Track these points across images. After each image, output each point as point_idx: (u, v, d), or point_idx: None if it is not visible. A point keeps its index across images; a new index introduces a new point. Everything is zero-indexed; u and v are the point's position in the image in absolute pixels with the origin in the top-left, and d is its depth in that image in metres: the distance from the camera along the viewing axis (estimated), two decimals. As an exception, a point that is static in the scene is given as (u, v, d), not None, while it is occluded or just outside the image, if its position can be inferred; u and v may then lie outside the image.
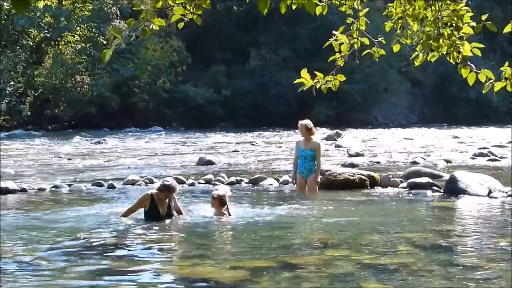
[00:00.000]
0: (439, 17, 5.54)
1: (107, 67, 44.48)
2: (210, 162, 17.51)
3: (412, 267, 5.87)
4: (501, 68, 5.60)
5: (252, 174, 13.93)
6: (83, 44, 45.52)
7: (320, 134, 29.21)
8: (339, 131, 30.34)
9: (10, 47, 44.86)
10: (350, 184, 12.15)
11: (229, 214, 8.89)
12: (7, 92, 42.39)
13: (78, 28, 46.11)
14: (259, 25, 49.57)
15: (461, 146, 24.12)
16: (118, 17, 46.26)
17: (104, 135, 33.81)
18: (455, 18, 5.52)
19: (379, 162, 17.56)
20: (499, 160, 17.33)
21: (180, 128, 43.48)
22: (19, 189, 11.93)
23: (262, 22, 48.07)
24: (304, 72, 5.79)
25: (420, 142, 26.82)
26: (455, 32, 5.55)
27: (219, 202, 8.86)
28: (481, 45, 5.63)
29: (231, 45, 50.09)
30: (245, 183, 13.08)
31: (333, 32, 5.99)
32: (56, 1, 44.72)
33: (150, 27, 4.79)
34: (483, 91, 5.66)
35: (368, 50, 6.17)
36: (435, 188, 11.55)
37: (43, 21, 45.38)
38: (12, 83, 43.15)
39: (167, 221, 8.51)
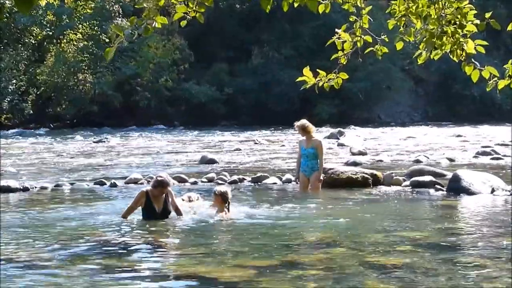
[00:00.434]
0: (443, 15, 5.51)
1: (109, 65, 44.42)
2: (213, 161, 17.48)
3: (415, 266, 5.85)
4: (505, 66, 5.58)
5: (254, 173, 13.90)
6: (85, 42, 45.49)
7: (323, 132, 29.23)
8: (341, 129, 30.29)
9: (12, 45, 44.85)
10: (352, 182, 12.12)
11: (228, 211, 8.86)
12: (9, 90, 42.37)
13: (80, 26, 46.07)
14: (261, 23, 49.49)
15: (464, 144, 24.07)
16: (121, 15, 46.22)
17: (106, 133, 33.81)
18: (459, 16, 5.49)
19: (381, 161, 17.52)
20: (502, 159, 17.28)
21: (182, 126, 43.44)
22: (21, 187, 11.91)
23: (264, 20, 47.99)
24: (306, 70, 5.77)
25: (423, 140, 26.78)
26: (459, 30, 5.52)
27: (222, 199, 8.83)
28: (485, 43, 5.60)
29: (233, 43, 50.03)
30: (247, 181, 13.06)
31: (336, 30, 5.96)
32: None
33: (153, 25, 4.77)
34: (487, 89, 5.64)
35: (371, 48, 6.15)
36: (438, 186, 11.52)
37: (45, 19, 45.36)
38: (14, 81, 43.14)
39: (168, 220, 8.45)
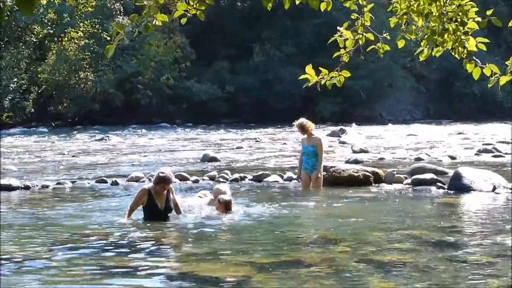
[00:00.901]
0: (444, 12, 5.51)
1: (110, 63, 44.43)
2: (214, 159, 17.48)
3: (416, 264, 5.85)
4: (506, 62, 5.57)
5: (256, 171, 13.90)
6: (86, 41, 45.48)
7: (325, 130, 29.22)
8: (343, 127, 30.28)
9: (13, 44, 44.85)
10: (354, 180, 12.11)
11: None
12: (11, 88, 42.37)
13: (81, 24, 46.04)
14: (262, 21, 49.47)
15: (466, 142, 24.05)
16: (122, 13, 46.23)
17: (108, 131, 33.81)
18: (460, 13, 5.49)
19: (383, 159, 17.52)
20: (504, 156, 17.26)
21: (184, 124, 43.45)
22: (22, 186, 11.92)
23: (265, 18, 47.98)
24: (309, 68, 5.76)
25: (424, 138, 26.76)
26: (460, 28, 5.52)
27: (225, 208, 8.85)
28: (486, 40, 5.60)
29: (234, 41, 50.02)
30: (249, 179, 13.06)
31: (338, 28, 5.95)
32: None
33: (153, 22, 4.76)
34: (489, 85, 5.64)
35: (373, 46, 6.14)
36: (440, 184, 11.51)
37: (46, 17, 45.36)
38: (15, 79, 43.14)
39: (169, 218, 8.41)
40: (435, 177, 11.95)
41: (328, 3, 5.52)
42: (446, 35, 5.55)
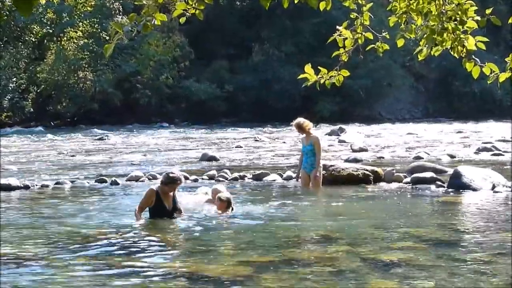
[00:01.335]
0: (443, 11, 5.51)
1: (109, 63, 44.43)
2: (214, 158, 17.48)
3: (416, 262, 5.85)
4: (506, 59, 5.58)
5: (255, 170, 13.90)
6: (85, 40, 45.45)
7: (325, 129, 29.21)
8: (342, 126, 30.28)
9: (12, 43, 44.82)
10: (353, 179, 12.11)
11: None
12: (10, 88, 42.35)
13: (80, 24, 46.02)
14: (261, 20, 49.44)
15: (465, 140, 24.05)
16: (121, 13, 46.20)
17: (107, 131, 33.80)
18: (459, 12, 5.49)
19: (382, 157, 17.53)
20: (503, 155, 17.27)
21: (183, 123, 43.44)
22: (22, 185, 11.91)
23: (265, 17, 47.97)
24: (308, 68, 5.76)
25: (424, 137, 26.77)
26: (459, 26, 5.51)
27: (227, 205, 8.85)
28: (485, 39, 5.60)
29: (233, 40, 50.00)
30: (248, 178, 13.06)
31: (337, 27, 5.95)
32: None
33: (152, 22, 4.76)
34: (488, 82, 5.64)
35: (372, 45, 6.14)
36: (439, 183, 11.52)
37: (45, 17, 45.33)
38: (14, 79, 43.13)
39: (170, 217, 8.39)
40: (434, 175, 11.95)
41: (327, 2, 5.52)
42: (445, 34, 5.55)
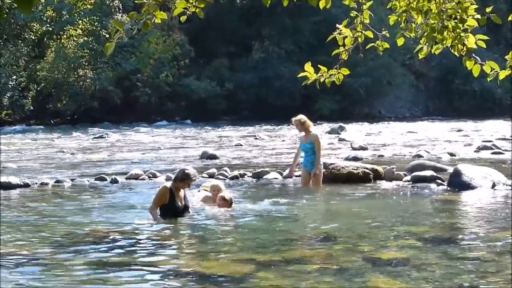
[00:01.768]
0: (444, 9, 5.50)
1: (109, 61, 44.42)
2: (213, 156, 17.47)
3: (416, 261, 5.85)
4: (506, 57, 5.57)
5: (255, 168, 13.90)
6: (85, 38, 45.47)
7: (325, 128, 29.20)
8: (342, 124, 30.29)
9: (12, 41, 44.83)
10: (353, 177, 12.11)
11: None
12: (9, 86, 42.36)
13: (80, 22, 46.04)
14: (262, 18, 49.43)
15: (465, 139, 24.05)
16: (121, 11, 46.20)
17: (107, 129, 33.80)
18: (460, 11, 5.48)
19: (382, 156, 17.51)
20: (503, 153, 17.27)
21: (183, 122, 43.44)
22: (21, 184, 11.91)
23: (265, 15, 47.96)
24: (308, 66, 5.75)
25: (424, 135, 26.77)
26: (460, 25, 5.51)
27: (229, 204, 8.90)
28: (485, 37, 5.59)
29: (234, 38, 50.00)
30: (248, 177, 13.06)
31: (337, 25, 5.94)
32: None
33: (152, 20, 4.75)
34: (488, 79, 5.63)
35: (372, 44, 6.13)
36: (439, 181, 11.52)
37: (45, 15, 45.36)
38: (14, 77, 43.13)
39: (181, 215, 8.30)
40: (434, 174, 11.95)
41: (327, 0, 5.51)
42: (445, 33, 5.55)
